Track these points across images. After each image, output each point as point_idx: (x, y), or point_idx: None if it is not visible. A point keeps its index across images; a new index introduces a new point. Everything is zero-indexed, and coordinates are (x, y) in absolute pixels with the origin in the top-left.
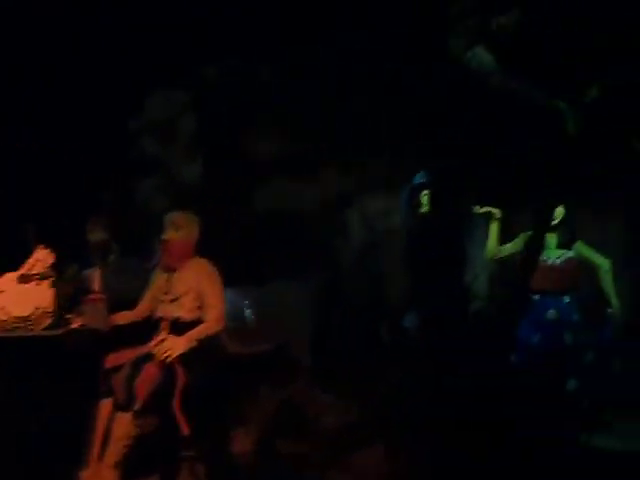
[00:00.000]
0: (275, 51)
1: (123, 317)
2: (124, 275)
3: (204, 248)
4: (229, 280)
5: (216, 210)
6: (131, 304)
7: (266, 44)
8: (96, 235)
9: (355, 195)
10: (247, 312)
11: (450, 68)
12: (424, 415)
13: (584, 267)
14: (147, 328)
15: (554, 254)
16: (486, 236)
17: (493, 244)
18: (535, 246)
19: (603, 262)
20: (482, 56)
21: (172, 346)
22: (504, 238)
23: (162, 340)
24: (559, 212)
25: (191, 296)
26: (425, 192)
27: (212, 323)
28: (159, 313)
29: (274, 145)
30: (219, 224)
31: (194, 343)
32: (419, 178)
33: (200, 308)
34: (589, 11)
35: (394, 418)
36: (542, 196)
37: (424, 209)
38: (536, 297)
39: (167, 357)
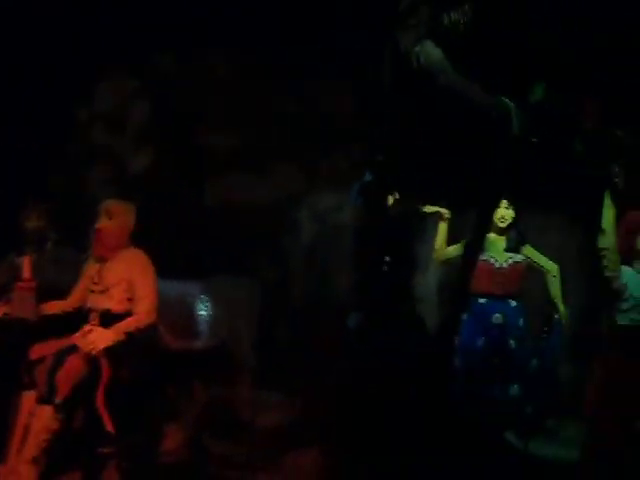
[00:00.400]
0: (229, 41)
1: (53, 307)
2: (61, 264)
3: (151, 240)
4: (176, 274)
5: (165, 202)
6: (66, 294)
7: (221, 33)
8: (32, 223)
9: (305, 191)
10: (201, 307)
11: (400, 63)
12: (364, 415)
13: (534, 271)
14: (80, 319)
15: (502, 257)
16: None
17: (441, 245)
18: (474, 248)
19: (551, 266)
20: (430, 50)
21: (97, 338)
22: (455, 239)
23: (87, 332)
24: (509, 215)
25: (122, 287)
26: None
27: (142, 316)
28: (89, 304)
29: (225, 138)
30: (168, 216)
31: (122, 336)
32: (369, 175)
33: (131, 300)
34: (538, 11)
35: (336, 417)
36: (482, 197)
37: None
38: (482, 300)
39: (92, 349)
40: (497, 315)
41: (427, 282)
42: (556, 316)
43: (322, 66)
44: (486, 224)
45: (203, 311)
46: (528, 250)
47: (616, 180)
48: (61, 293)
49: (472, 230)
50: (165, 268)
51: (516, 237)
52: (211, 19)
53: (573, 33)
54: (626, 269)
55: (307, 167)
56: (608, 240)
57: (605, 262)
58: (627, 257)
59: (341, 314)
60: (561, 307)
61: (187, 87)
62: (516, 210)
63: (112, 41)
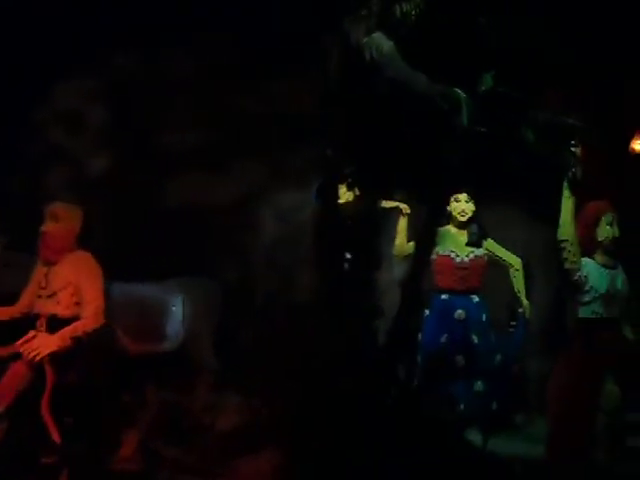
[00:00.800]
0: (190, 41)
1: (0, 313)
2: (10, 269)
3: (110, 242)
4: (136, 275)
5: (124, 203)
6: (16, 300)
7: (181, 32)
8: None
9: (267, 190)
10: (161, 308)
11: (352, 56)
12: (326, 416)
13: (498, 266)
14: (29, 325)
15: (463, 252)
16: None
17: (401, 240)
18: (426, 242)
19: (514, 260)
20: (381, 42)
21: (41, 344)
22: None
23: (31, 337)
24: (469, 209)
25: (69, 291)
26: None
27: (89, 320)
28: (36, 309)
29: (186, 138)
30: (127, 217)
31: (67, 341)
32: (327, 172)
33: (78, 304)
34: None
35: (295, 420)
36: (434, 190)
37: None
38: (444, 296)
39: (35, 356)
40: (460, 311)
41: (391, 278)
42: (520, 310)
43: (284, 65)
44: (437, 218)
45: (163, 313)
46: (490, 244)
47: (573, 170)
48: (10, 298)
49: (424, 224)
50: (125, 270)
51: (477, 231)
52: (172, 18)
53: (524, 22)
54: (587, 261)
55: (269, 166)
56: (567, 232)
57: (565, 254)
58: (588, 249)
59: (302, 314)
60: (524, 301)
61: (147, 87)
62: (476, 204)
63: (71, 40)
